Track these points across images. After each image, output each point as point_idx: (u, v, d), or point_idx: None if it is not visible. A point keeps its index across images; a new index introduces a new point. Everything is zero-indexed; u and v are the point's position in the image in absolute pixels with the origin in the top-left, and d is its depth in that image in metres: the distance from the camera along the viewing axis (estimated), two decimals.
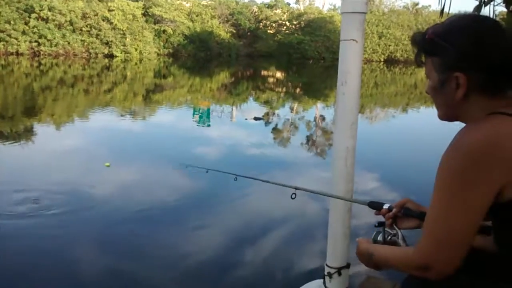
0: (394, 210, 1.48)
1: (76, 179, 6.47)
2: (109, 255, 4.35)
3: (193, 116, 13.58)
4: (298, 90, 24.20)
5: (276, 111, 15.20)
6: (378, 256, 1.32)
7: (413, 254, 1.19)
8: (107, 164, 6.98)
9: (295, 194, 2.03)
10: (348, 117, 2.51)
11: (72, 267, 4.04)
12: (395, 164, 8.31)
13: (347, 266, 2.68)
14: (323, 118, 14.14)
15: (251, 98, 18.99)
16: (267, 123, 12.46)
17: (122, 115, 12.88)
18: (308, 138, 10.93)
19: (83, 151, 8.36)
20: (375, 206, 1.57)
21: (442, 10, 2.97)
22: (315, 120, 13.66)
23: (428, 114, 16.08)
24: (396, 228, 1.45)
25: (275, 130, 11.73)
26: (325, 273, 2.70)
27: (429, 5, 54.87)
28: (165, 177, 6.95)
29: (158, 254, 4.33)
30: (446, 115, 1.32)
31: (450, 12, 2.96)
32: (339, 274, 2.65)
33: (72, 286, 3.79)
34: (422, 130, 12.28)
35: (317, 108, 16.72)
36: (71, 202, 5.53)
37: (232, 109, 15.43)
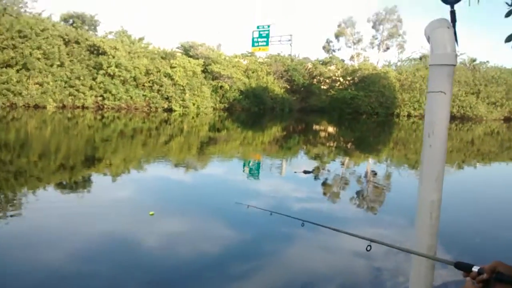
0: (485, 275, 1.37)
1: (129, 227, 6.78)
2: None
3: (243, 168, 13.84)
4: (349, 144, 24.10)
5: (327, 165, 15.18)
6: None
7: None
8: (152, 213, 7.29)
9: (370, 246, 1.96)
10: (434, 170, 2.47)
11: None
12: (475, 220, 8.11)
13: None
14: (374, 173, 13.97)
15: (301, 152, 19.12)
16: (316, 177, 12.47)
17: (176, 166, 13.36)
18: (358, 193, 10.82)
19: (136, 200, 8.74)
20: (463, 267, 1.46)
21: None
22: (366, 176, 13.51)
23: (489, 170, 15.53)
24: None
25: (324, 184, 11.70)
26: None
27: (487, 61, 53.86)
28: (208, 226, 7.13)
29: None
30: None
31: None
32: None
33: None
34: (490, 185, 11.90)
35: (369, 163, 16.54)
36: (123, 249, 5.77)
37: (282, 162, 15.59)
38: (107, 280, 4.95)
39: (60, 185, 9.93)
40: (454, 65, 2.46)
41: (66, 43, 34.07)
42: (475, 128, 35.39)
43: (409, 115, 46.31)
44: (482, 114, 46.83)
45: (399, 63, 55.06)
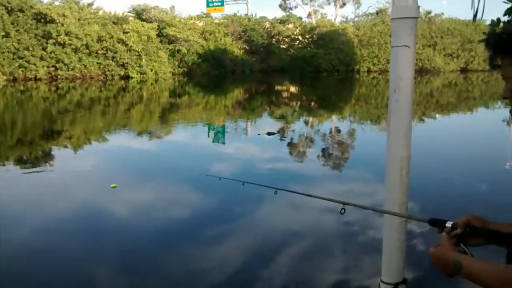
0: (458, 230, 1.40)
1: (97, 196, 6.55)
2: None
3: (208, 133, 13.65)
4: (312, 103, 24.18)
5: (291, 126, 15.17)
6: (468, 268, 1.26)
7: (507, 270, 1.17)
8: (113, 185, 7.07)
9: (344, 209, 1.94)
10: (402, 126, 2.42)
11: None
12: (445, 171, 8.26)
13: (404, 281, 2.57)
14: (338, 130, 14.07)
15: (265, 114, 19.03)
16: (282, 137, 12.44)
17: (139, 136, 13.01)
18: (324, 151, 10.87)
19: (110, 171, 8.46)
20: (437, 223, 1.47)
21: (475, 16, 2.95)
22: (330, 133, 13.59)
23: (450, 121, 15.94)
24: (463, 246, 1.37)
25: (289, 144, 11.70)
26: None
27: (442, 13, 54.62)
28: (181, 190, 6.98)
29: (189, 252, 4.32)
30: None
31: (482, 17, 2.93)
32: None
33: None
34: (453, 136, 12.19)
35: (332, 121, 16.65)
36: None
37: (246, 125, 15.46)
38: (80, 252, 4.79)
39: (19, 161, 9.48)
40: (417, 18, 2.37)
41: (9, 12, 32.09)
42: (433, 80, 36.16)
43: (369, 71, 46.75)
44: (439, 66, 47.81)
45: (356, 19, 55.00)
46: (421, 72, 43.79)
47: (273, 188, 2.72)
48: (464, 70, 49.22)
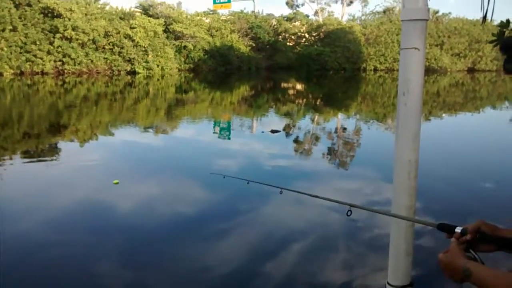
0: (468, 236, 1.38)
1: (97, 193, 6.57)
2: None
3: (214, 129, 13.66)
4: (318, 101, 24.13)
5: (296, 123, 15.15)
6: (477, 275, 1.24)
7: None
8: (116, 181, 7.07)
9: (350, 211, 1.94)
10: (411, 128, 2.40)
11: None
12: (452, 175, 8.18)
13: (410, 285, 2.56)
14: (344, 128, 14.04)
15: (271, 111, 19.01)
16: (287, 135, 12.43)
17: (145, 131, 13.03)
18: (329, 150, 10.85)
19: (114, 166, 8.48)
20: (446, 229, 1.45)
21: (484, 17, 2.93)
22: (336, 131, 13.56)
23: (457, 121, 15.87)
24: (473, 253, 1.36)
25: (294, 142, 11.68)
26: None
27: (450, 13, 54.29)
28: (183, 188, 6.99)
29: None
30: None
31: (492, 18, 2.91)
32: None
33: None
34: (461, 137, 12.13)
35: (339, 119, 16.61)
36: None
37: (252, 122, 15.45)
38: (85, 246, 4.81)
39: (25, 154, 9.53)
40: (427, 20, 2.35)
41: (17, 6, 32.18)
42: (440, 80, 35.98)
43: (375, 69, 46.59)
44: (446, 66, 47.56)
45: (363, 17, 54.86)
46: (428, 71, 43.52)
47: (278, 187, 2.72)
48: (471, 70, 48.93)
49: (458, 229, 1.40)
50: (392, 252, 2.59)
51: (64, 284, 4.09)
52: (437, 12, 52.61)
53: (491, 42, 3.16)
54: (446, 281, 1.35)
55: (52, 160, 9.13)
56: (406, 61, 2.37)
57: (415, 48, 2.33)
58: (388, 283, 2.59)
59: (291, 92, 28.46)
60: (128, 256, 4.68)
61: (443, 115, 17.76)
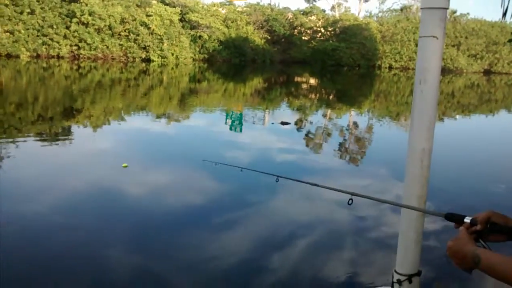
0: (478, 226, 1.35)
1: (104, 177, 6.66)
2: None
3: (226, 120, 13.70)
4: (331, 96, 24.04)
5: (307, 117, 15.14)
6: (486, 261, 1.22)
7: None
8: (125, 165, 7.16)
9: (351, 199, 1.95)
10: (426, 117, 2.39)
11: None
12: (463, 171, 8.20)
13: (418, 273, 2.58)
14: (356, 125, 14.00)
15: (283, 104, 18.99)
16: (299, 128, 12.44)
17: (157, 118, 13.12)
18: (340, 145, 10.84)
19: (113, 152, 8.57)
20: (455, 218, 1.43)
21: (504, 14, 2.91)
22: (348, 127, 13.52)
23: (470, 122, 15.74)
24: (482, 243, 1.33)
25: (303, 135, 11.69)
26: (394, 280, 2.59)
27: (468, 13, 53.58)
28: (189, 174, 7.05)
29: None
30: None
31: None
32: (410, 281, 2.55)
33: (98, 282, 3.90)
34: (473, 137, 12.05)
35: (351, 115, 16.55)
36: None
37: (264, 114, 15.46)
38: (93, 230, 4.88)
39: (38, 136, 9.65)
40: (447, 9, 2.33)
41: None
42: (455, 81, 35.62)
43: (390, 67, 46.22)
44: (462, 67, 47.05)
45: (380, 14, 54.35)
46: (443, 72, 43.10)
47: (274, 175, 2.73)
48: (487, 72, 48.34)
49: (467, 219, 1.39)
50: (401, 241, 2.60)
51: (70, 265, 4.17)
52: (455, 12, 51.94)
53: (509, 41, 3.15)
54: (453, 270, 1.34)
55: (64, 141, 9.26)
56: (424, 49, 2.36)
57: (434, 37, 2.31)
58: (396, 271, 2.60)
59: (304, 86, 28.37)
60: (132, 237, 4.76)
61: (457, 116, 17.62)
